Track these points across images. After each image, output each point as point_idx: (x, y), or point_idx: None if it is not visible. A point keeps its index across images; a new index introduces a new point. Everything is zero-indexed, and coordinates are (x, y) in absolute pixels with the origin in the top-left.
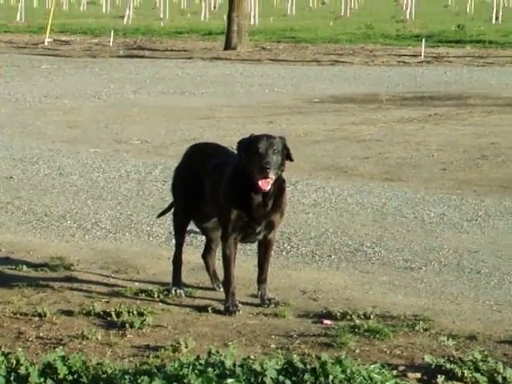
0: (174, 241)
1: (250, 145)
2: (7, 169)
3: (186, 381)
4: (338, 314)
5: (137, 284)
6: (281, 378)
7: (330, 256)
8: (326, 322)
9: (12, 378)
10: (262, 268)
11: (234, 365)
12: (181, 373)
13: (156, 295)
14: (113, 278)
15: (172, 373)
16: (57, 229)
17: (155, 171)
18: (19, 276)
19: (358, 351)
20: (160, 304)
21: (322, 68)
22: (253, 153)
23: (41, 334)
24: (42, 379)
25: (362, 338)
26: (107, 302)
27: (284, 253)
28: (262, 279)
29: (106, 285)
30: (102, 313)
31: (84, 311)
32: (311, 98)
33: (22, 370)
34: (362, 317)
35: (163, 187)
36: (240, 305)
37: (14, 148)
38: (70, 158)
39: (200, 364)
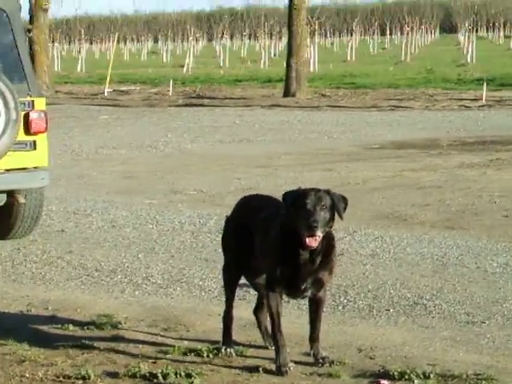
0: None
1: (297, 199)
2: (60, 222)
3: None
4: (396, 373)
5: (186, 342)
6: None
7: (388, 310)
8: (382, 382)
9: None
10: (313, 326)
11: None
12: None
13: (205, 355)
14: (161, 336)
15: None
16: (106, 284)
17: (210, 222)
18: (65, 335)
19: None
20: (209, 365)
21: (382, 113)
22: (300, 208)
23: None
24: None
25: None
26: (154, 362)
27: (340, 307)
28: (313, 338)
29: (153, 344)
30: (147, 374)
31: (129, 373)
32: (371, 145)
33: None
34: (422, 376)
35: (217, 239)
36: (292, 364)
37: (68, 200)
38: (125, 209)
39: None
